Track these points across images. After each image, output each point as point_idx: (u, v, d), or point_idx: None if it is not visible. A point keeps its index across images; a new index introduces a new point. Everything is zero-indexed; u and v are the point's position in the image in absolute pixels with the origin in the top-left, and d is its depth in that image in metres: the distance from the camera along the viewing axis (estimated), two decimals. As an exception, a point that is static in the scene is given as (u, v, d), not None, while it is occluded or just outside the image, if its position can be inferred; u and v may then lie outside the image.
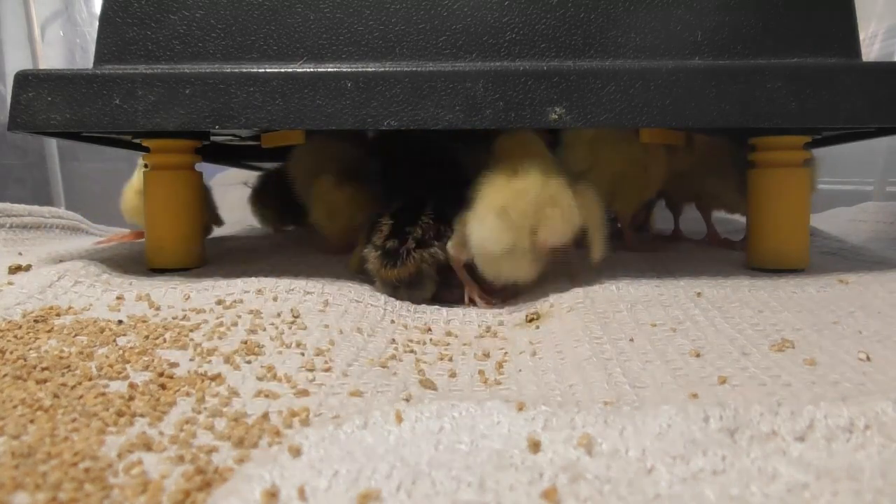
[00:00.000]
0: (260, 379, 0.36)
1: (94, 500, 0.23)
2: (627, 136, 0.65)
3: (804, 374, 0.35)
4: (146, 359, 0.38)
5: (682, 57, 0.54)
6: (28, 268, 0.58)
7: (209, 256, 0.67)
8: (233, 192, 1.02)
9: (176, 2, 0.55)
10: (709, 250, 0.74)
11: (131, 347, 0.40)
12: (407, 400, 0.33)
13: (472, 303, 0.54)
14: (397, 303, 0.53)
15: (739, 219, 0.83)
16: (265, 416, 0.30)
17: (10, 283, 0.53)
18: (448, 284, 0.54)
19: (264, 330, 0.44)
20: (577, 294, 0.50)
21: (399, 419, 0.26)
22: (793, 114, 0.52)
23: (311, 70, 0.52)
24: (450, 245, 0.53)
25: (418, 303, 0.53)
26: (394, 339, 0.44)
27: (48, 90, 0.53)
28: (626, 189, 0.71)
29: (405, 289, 0.53)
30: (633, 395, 0.33)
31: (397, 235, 0.52)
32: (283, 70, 0.52)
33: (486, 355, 0.42)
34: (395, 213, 0.54)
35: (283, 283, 0.52)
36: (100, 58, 0.56)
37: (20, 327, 0.43)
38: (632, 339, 0.41)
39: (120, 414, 0.30)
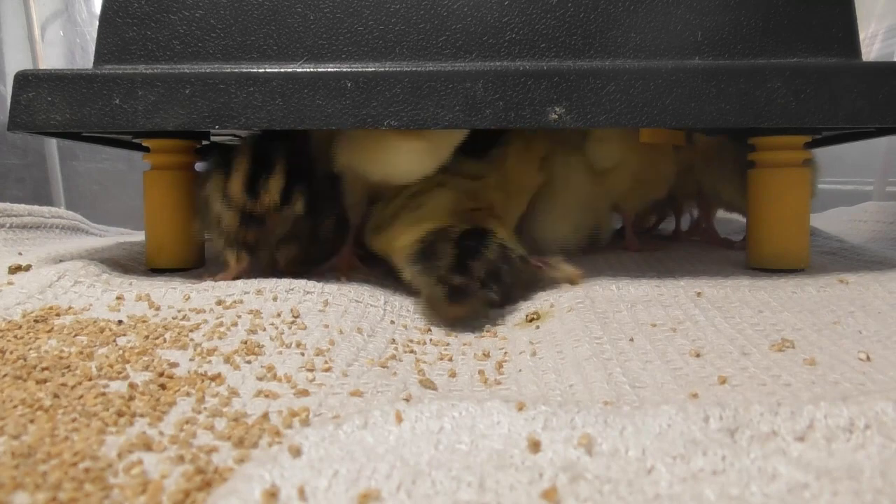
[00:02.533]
0: (260, 379, 0.36)
1: (94, 500, 0.23)
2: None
3: (804, 374, 0.35)
4: (146, 359, 0.38)
5: (682, 57, 0.54)
6: (28, 268, 0.58)
7: (209, 256, 0.67)
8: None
9: (176, 2, 0.55)
10: (709, 250, 0.74)
11: (131, 347, 0.40)
12: (407, 400, 0.33)
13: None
14: (397, 303, 0.53)
15: (739, 219, 0.83)
16: (265, 416, 0.30)
17: (10, 283, 0.53)
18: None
19: (264, 330, 0.44)
20: (577, 294, 0.50)
21: (399, 419, 0.26)
22: (793, 114, 0.52)
23: (311, 70, 0.52)
24: None
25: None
26: (394, 339, 0.44)
27: (48, 90, 0.53)
28: (637, 188, 0.71)
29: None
30: (633, 395, 0.33)
31: (461, 269, 0.47)
32: (283, 70, 0.52)
33: (486, 355, 0.42)
34: (458, 241, 0.49)
35: (283, 283, 0.52)
36: (100, 58, 0.56)
37: (20, 327, 0.43)
38: (632, 339, 0.41)
39: (120, 414, 0.30)
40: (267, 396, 0.33)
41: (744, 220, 0.73)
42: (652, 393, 0.34)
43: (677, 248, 0.76)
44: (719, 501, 0.22)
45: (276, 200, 0.54)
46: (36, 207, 0.88)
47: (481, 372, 0.39)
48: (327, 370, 0.37)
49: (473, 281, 0.47)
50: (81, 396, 0.32)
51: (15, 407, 0.31)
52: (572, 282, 0.53)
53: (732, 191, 0.72)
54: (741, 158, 0.66)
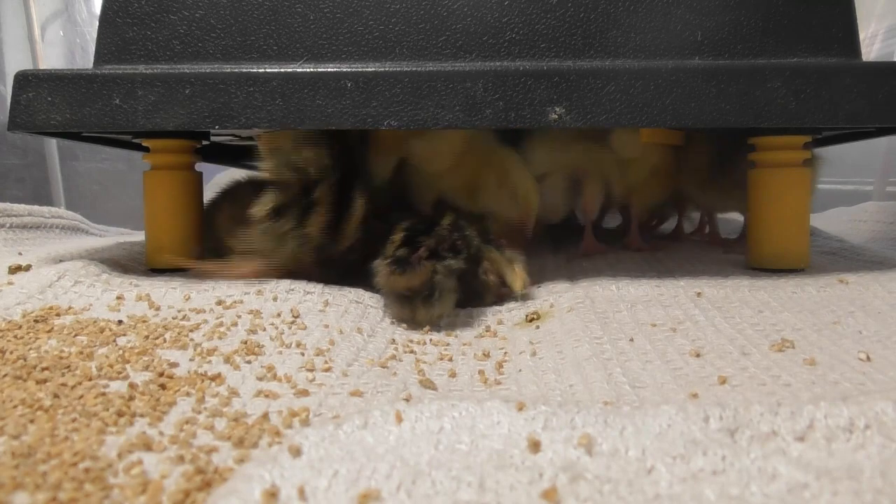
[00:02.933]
0: (260, 379, 0.36)
1: (94, 500, 0.23)
2: None
3: (804, 374, 0.35)
4: (146, 359, 0.38)
5: (682, 57, 0.54)
6: (28, 268, 0.58)
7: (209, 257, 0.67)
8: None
9: (176, 2, 0.55)
10: (709, 250, 0.74)
11: (131, 347, 0.40)
12: (407, 400, 0.33)
13: None
14: (397, 303, 0.52)
15: (740, 218, 0.83)
16: (265, 416, 0.30)
17: (10, 283, 0.53)
18: (477, 294, 0.52)
19: (264, 330, 0.44)
20: (577, 294, 0.50)
21: (399, 419, 0.26)
22: (792, 114, 0.52)
23: (311, 70, 0.52)
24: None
25: (436, 320, 0.48)
26: (394, 339, 0.44)
27: (48, 90, 0.53)
28: (651, 185, 0.71)
29: (421, 303, 0.48)
30: (633, 395, 0.33)
31: (409, 245, 0.49)
32: (283, 70, 0.52)
33: (486, 355, 0.42)
34: (408, 227, 0.51)
35: (283, 284, 0.52)
36: (100, 58, 0.56)
37: (20, 327, 0.43)
38: (632, 339, 0.41)
39: (120, 414, 0.30)
40: (267, 396, 0.33)
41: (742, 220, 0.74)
42: (652, 393, 0.34)
43: (677, 248, 0.76)
44: (719, 501, 0.22)
45: (351, 243, 0.54)
46: (36, 207, 0.88)
47: (481, 372, 0.39)
48: (327, 370, 0.37)
49: (417, 253, 0.48)
50: (81, 396, 0.32)
51: (15, 407, 0.31)
52: (514, 287, 0.53)
53: (707, 193, 0.73)
54: (715, 159, 0.66)
